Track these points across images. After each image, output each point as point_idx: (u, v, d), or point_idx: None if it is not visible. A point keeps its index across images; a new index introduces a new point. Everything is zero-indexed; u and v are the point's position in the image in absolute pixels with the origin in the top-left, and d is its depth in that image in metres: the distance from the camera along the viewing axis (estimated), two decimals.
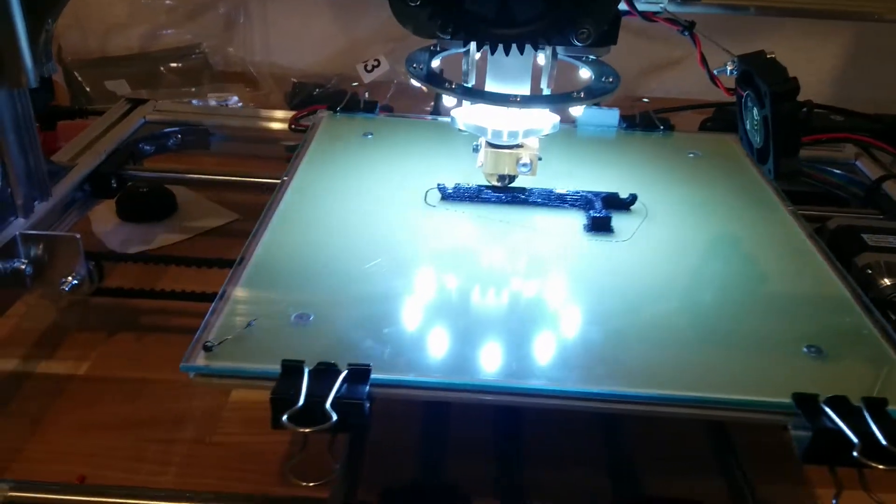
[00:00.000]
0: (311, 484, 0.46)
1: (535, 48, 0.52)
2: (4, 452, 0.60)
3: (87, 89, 1.17)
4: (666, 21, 0.60)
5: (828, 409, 0.43)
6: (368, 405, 0.44)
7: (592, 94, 0.56)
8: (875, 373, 0.49)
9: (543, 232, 0.63)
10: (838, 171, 0.87)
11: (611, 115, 0.83)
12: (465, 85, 0.56)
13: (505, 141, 0.58)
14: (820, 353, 0.50)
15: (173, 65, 1.28)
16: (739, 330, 0.52)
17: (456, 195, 0.66)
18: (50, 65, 0.64)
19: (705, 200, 0.69)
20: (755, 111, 0.56)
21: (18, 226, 0.66)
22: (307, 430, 0.42)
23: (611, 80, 0.58)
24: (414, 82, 0.59)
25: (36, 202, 0.69)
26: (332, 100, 1.18)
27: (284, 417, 0.42)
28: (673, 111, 1.15)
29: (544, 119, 0.59)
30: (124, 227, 0.91)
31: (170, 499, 0.51)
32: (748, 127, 0.59)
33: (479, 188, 0.66)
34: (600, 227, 0.63)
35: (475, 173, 0.68)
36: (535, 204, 0.67)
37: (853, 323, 0.54)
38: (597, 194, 0.66)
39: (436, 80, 0.56)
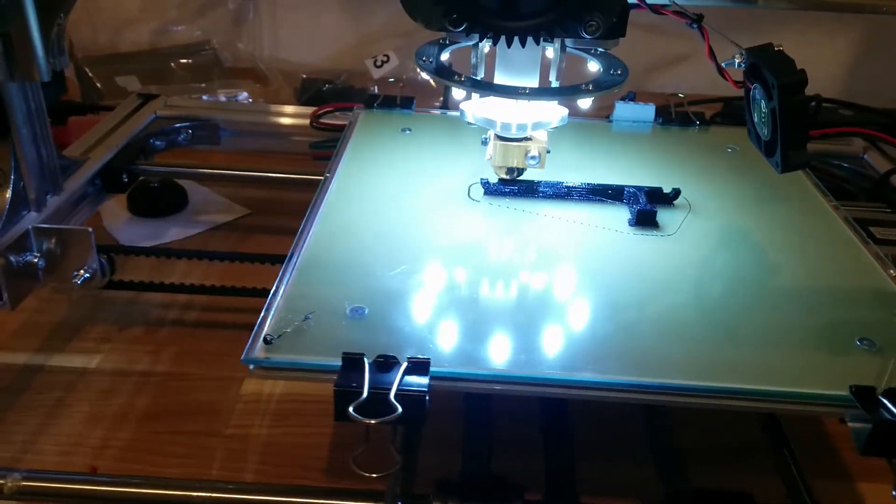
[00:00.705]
0: (375, 476, 0.47)
1: (543, 41, 0.52)
2: (17, 444, 0.61)
3: (98, 85, 1.18)
4: (674, 14, 0.60)
5: (886, 402, 0.44)
6: (427, 398, 0.45)
7: (600, 87, 0.56)
8: None
9: (589, 226, 0.63)
10: (846, 165, 0.87)
11: (647, 111, 0.83)
12: (475, 78, 0.57)
13: (514, 134, 0.59)
14: (872, 345, 0.50)
15: (183, 61, 1.29)
16: (791, 324, 0.53)
17: (498, 190, 0.67)
18: (62, 59, 0.64)
19: (747, 194, 0.70)
20: (763, 104, 0.56)
21: (31, 219, 0.66)
22: (372, 422, 0.43)
23: (619, 72, 0.58)
24: (423, 75, 0.59)
25: (48, 196, 0.69)
26: (341, 95, 1.19)
27: (350, 409, 0.43)
28: (681, 105, 1.15)
29: (553, 112, 0.59)
30: (135, 222, 0.91)
31: (184, 488, 0.51)
32: (756, 120, 0.59)
33: (522, 183, 0.66)
34: (645, 221, 0.63)
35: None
36: (577, 199, 0.67)
37: None
38: (640, 189, 0.66)
39: (445, 73, 0.57)
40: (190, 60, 1.29)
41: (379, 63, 1.19)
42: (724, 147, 0.79)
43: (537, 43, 0.52)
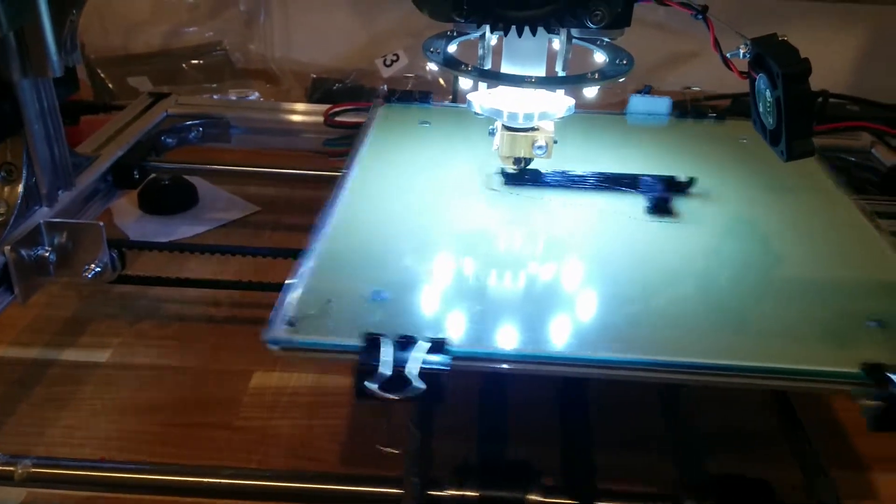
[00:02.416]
0: (397, 452, 0.49)
1: (549, 31, 0.52)
2: (27, 436, 0.62)
3: (110, 86, 1.19)
4: (679, 5, 0.60)
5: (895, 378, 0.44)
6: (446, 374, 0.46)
7: (606, 76, 0.56)
8: None
9: (606, 213, 0.64)
10: (854, 159, 0.87)
11: (662, 103, 0.83)
12: (482, 68, 0.57)
13: (520, 124, 0.59)
14: (883, 326, 0.50)
15: (195, 62, 1.30)
16: (803, 306, 0.53)
17: (517, 179, 0.67)
18: (75, 55, 0.65)
19: (761, 183, 0.70)
20: (768, 93, 0.57)
21: (43, 214, 0.67)
22: (395, 398, 0.44)
23: (624, 62, 0.58)
24: (433, 69, 0.59)
25: (60, 192, 0.70)
26: (351, 94, 1.20)
27: (375, 386, 0.44)
28: (689, 102, 1.15)
29: (560, 102, 0.60)
30: (146, 219, 0.92)
31: (195, 474, 0.52)
32: (761, 109, 0.59)
33: (539, 172, 0.67)
34: (661, 209, 0.64)
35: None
36: (594, 188, 0.67)
37: None
38: (655, 178, 0.67)
39: (452, 63, 0.57)
40: (201, 61, 1.30)
41: (388, 62, 1.20)
42: (738, 138, 0.79)
43: (548, 31, 0.52)
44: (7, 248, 0.61)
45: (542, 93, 0.59)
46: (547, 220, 0.63)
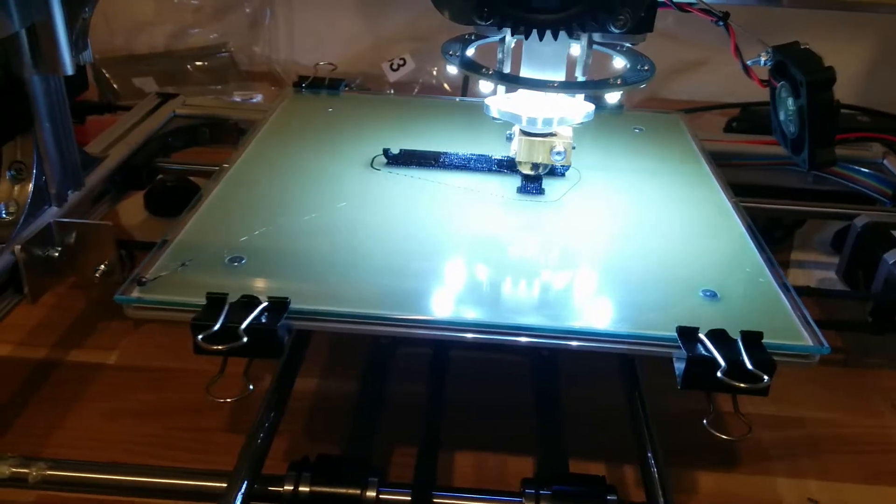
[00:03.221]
0: (229, 400, 0.50)
1: (571, 35, 0.52)
2: (35, 438, 0.61)
3: (115, 86, 1.18)
4: (700, 12, 0.59)
5: (706, 340, 0.46)
6: (286, 335, 0.48)
7: (628, 81, 0.56)
8: (761, 312, 0.51)
9: (478, 193, 0.66)
10: (866, 170, 0.87)
11: None
12: (502, 72, 0.56)
13: (539, 129, 0.58)
14: (714, 296, 0.52)
15: (199, 63, 1.29)
16: (647, 277, 0.55)
17: (400, 160, 0.69)
18: (86, 53, 0.64)
19: (638, 169, 0.72)
20: (790, 102, 0.56)
21: (52, 214, 0.66)
22: (219, 349, 0.46)
23: (646, 67, 0.58)
24: (450, 68, 0.58)
25: (69, 191, 0.69)
26: None
27: (199, 337, 0.46)
28: (697, 111, 1.15)
29: (579, 107, 0.59)
30: (153, 221, 0.91)
31: (201, 477, 0.51)
32: (782, 118, 0.59)
33: (422, 152, 0.70)
34: (532, 189, 0.65)
35: (428, 140, 0.73)
36: (475, 169, 0.69)
37: (753, 273, 0.56)
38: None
39: (472, 67, 0.56)
40: (206, 63, 1.29)
41: (395, 66, 1.19)
42: (632, 128, 0.81)
43: (564, 37, 0.52)
44: (17, 247, 0.60)
45: (560, 98, 0.59)
46: (416, 197, 0.65)
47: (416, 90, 1.20)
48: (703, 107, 1.15)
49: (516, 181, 0.66)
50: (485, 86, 0.59)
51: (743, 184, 0.73)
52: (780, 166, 0.84)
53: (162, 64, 1.27)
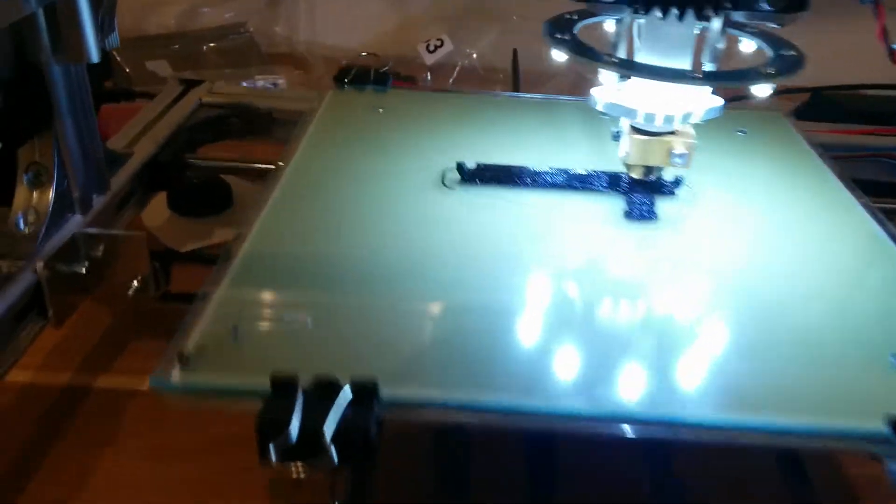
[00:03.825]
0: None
1: (703, 16, 0.42)
2: (64, 484, 0.53)
3: (127, 70, 1.09)
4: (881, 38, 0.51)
5: None
6: (376, 430, 0.37)
7: (782, 71, 0.46)
8: None
9: (578, 219, 0.56)
10: None
11: None
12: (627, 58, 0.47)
13: (658, 127, 0.49)
14: None
15: (215, 45, 1.20)
16: (810, 337, 0.44)
17: (477, 176, 0.59)
18: (112, 36, 0.56)
19: (758, 184, 0.62)
20: None
21: (76, 223, 0.57)
22: (301, 472, 0.35)
23: (792, 52, 0.48)
24: (558, 56, 0.49)
25: (93, 196, 0.61)
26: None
27: (272, 451, 0.35)
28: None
29: (704, 101, 0.50)
30: (178, 221, 0.83)
31: None
32: None
33: (506, 168, 0.59)
34: (642, 213, 0.56)
35: (500, 150, 0.63)
36: (565, 187, 0.59)
37: None
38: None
39: (588, 52, 0.47)
40: (223, 44, 1.20)
41: (432, 48, 1.10)
42: (733, 130, 0.71)
43: (716, 12, 0.43)
44: (40, 264, 0.52)
45: (682, 89, 0.49)
46: (506, 227, 0.55)
47: (454, 74, 1.11)
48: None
49: (618, 201, 0.57)
50: (606, 76, 0.49)
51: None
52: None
53: (176, 46, 1.18)
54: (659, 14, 0.41)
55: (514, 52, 1.04)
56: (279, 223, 0.54)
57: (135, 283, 0.58)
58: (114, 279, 0.58)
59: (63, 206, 0.57)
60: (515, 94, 0.85)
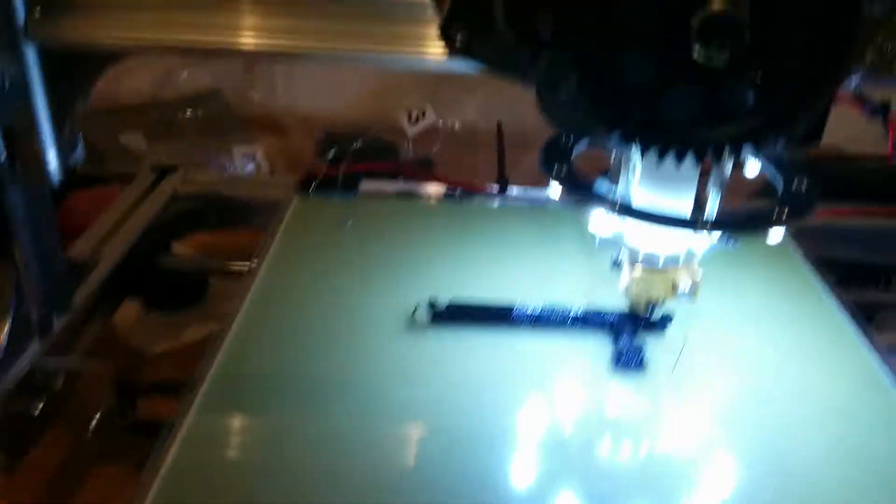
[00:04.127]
0: None
1: (739, 154, 0.38)
2: None
3: (98, 148, 1.04)
4: (853, 103, 0.47)
5: None
6: None
7: (796, 213, 0.42)
8: None
9: (561, 367, 0.52)
10: None
11: None
12: (621, 198, 0.42)
13: (661, 264, 0.45)
14: None
15: (191, 112, 1.15)
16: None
17: (450, 315, 0.55)
18: (77, 153, 0.51)
19: (758, 316, 0.58)
20: None
21: (34, 352, 0.53)
22: None
23: (804, 184, 0.44)
24: (554, 192, 0.44)
25: (55, 317, 0.56)
26: (373, 153, 1.06)
27: None
28: None
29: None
30: (150, 316, 0.78)
31: None
32: None
33: (481, 308, 0.55)
34: (630, 361, 0.52)
35: (480, 276, 0.60)
36: (548, 326, 0.55)
37: None
38: (622, 315, 0.54)
39: (586, 192, 0.42)
40: (199, 112, 1.15)
41: (414, 118, 1.06)
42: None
43: (737, 157, 0.39)
44: None
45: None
46: (481, 377, 0.50)
47: (436, 145, 1.07)
48: None
49: (604, 343, 0.53)
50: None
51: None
52: None
53: (150, 115, 1.13)
54: (674, 156, 0.37)
55: (499, 125, 0.99)
56: (227, 387, 0.49)
57: (97, 416, 0.53)
58: (76, 412, 0.53)
59: (21, 333, 0.52)
60: (502, 198, 0.77)
